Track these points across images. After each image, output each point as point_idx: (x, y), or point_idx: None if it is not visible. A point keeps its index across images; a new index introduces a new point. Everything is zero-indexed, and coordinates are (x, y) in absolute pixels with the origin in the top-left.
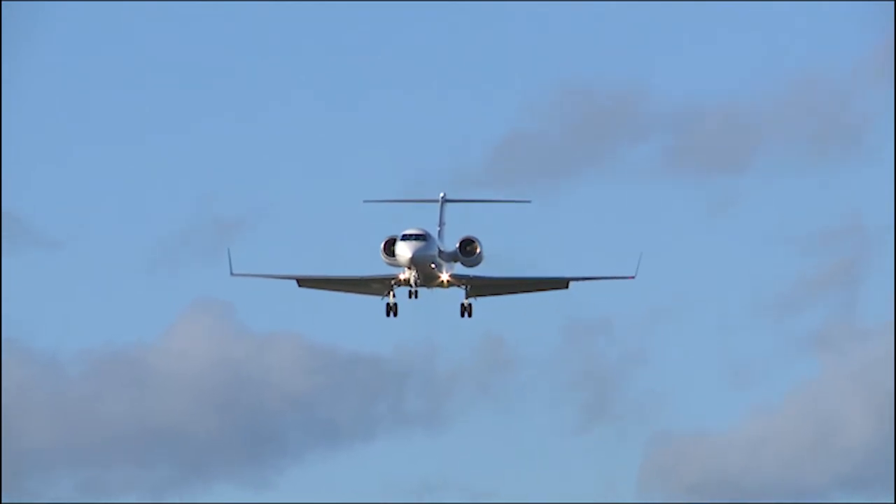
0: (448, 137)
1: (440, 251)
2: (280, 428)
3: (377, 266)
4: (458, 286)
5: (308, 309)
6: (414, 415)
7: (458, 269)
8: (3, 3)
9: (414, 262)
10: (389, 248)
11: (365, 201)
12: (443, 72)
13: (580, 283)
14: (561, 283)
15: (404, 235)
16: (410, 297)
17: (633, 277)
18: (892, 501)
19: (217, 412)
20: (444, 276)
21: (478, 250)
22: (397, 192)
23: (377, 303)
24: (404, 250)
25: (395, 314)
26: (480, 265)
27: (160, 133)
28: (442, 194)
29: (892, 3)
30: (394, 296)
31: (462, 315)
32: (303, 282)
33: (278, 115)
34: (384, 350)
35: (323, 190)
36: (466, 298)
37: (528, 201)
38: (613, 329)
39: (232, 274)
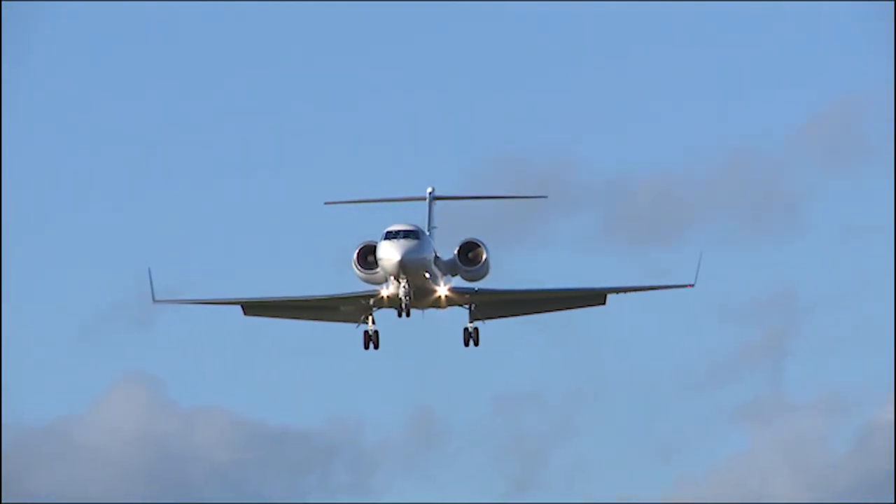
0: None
1: (436, 256)
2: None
3: (349, 284)
4: (460, 304)
5: (258, 346)
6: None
7: (459, 282)
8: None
9: (404, 269)
10: (365, 258)
11: (326, 203)
12: (375, 140)
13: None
14: (595, 298)
15: (389, 233)
16: (400, 315)
17: (692, 286)
18: (893, 502)
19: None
20: (442, 291)
21: (483, 256)
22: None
23: (351, 332)
24: (390, 252)
25: (377, 345)
26: (486, 277)
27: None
28: (430, 189)
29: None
30: (373, 321)
31: (466, 344)
32: (250, 308)
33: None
34: (365, 401)
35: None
36: (471, 321)
37: (545, 196)
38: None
39: (154, 301)
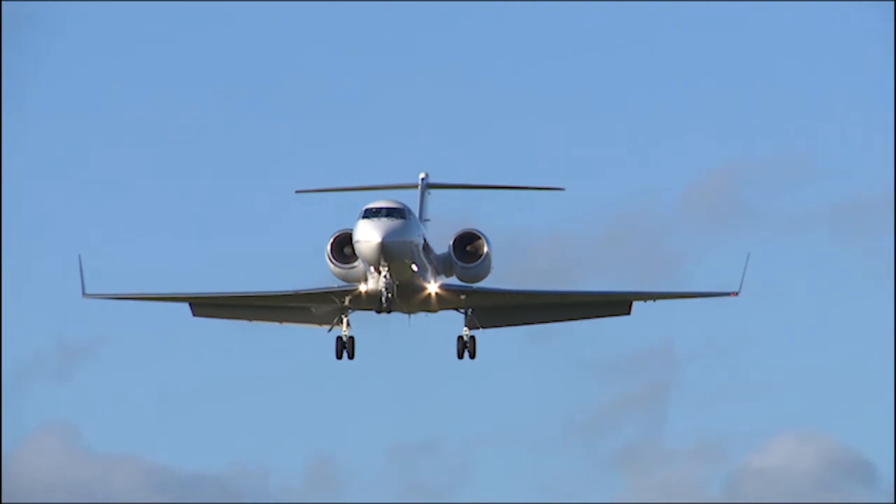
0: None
1: (426, 245)
2: None
3: (322, 281)
4: (454, 307)
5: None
6: None
7: (454, 281)
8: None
9: (385, 254)
10: (341, 249)
11: (298, 192)
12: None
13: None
14: (619, 306)
15: (368, 210)
16: (379, 312)
17: (736, 294)
18: (893, 501)
19: None
20: (433, 289)
21: (484, 250)
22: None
23: (322, 337)
24: (369, 232)
25: (351, 354)
26: (487, 277)
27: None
28: (423, 175)
29: None
30: (348, 324)
31: (460, 355)
32: (199, 306)
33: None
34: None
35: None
36: (467, 328)
37: (562, 189)
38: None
39: (84, 295)
